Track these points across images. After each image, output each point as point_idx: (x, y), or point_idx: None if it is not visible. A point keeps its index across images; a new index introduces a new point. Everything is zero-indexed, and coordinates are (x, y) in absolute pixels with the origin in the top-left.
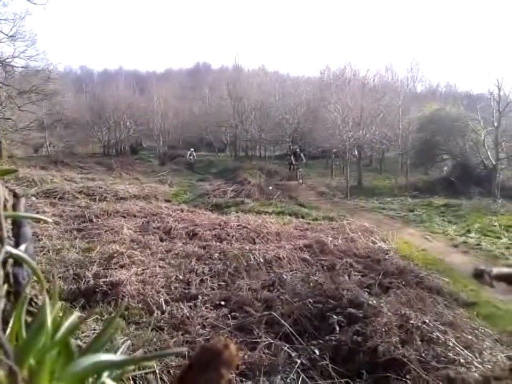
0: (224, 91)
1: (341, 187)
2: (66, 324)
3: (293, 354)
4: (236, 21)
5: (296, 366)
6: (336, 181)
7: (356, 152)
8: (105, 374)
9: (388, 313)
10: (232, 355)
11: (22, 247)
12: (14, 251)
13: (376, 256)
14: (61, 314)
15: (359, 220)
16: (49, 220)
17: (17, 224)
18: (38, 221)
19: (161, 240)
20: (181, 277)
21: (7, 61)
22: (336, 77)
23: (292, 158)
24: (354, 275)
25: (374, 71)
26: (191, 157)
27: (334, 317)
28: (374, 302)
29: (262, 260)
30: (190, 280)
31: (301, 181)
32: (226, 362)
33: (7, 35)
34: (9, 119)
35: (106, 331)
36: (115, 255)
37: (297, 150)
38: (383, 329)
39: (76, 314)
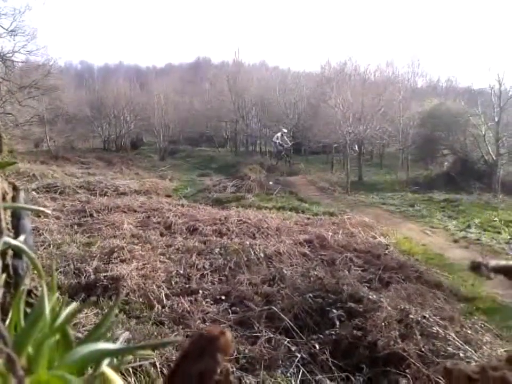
0: (225, 86)
1: (341, 182)
2: (64, 313)
3: (293, 348)
4: (236, 16)
5: (296, 360)
6: (336, 176)
7: (356, 147)
8: (105, 363)
9: (387, 307)
10: (228, 342)
11: (21, 238)
12: (13, 242)
13: (376, 251)
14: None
15: (360, 215)
16: (48, 212)
17: (16, 217)
18: (38, 215)
19: (162, 235)
20: (181, 272)
21: (7, 55)
22: (336, 72)
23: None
24: (355, 270)
25: (374, 66)
26: (280, 141)
27: (334, 311)
28: (374, 296)
29: (262, 255)
30: (190, 275)
31: None
32: (222, 348)
33: (7, 30)
34: (9, 114)
35: (105, 321)
36: (116, 249)
37: None
38: (383, 324)
39: (74, 304)
